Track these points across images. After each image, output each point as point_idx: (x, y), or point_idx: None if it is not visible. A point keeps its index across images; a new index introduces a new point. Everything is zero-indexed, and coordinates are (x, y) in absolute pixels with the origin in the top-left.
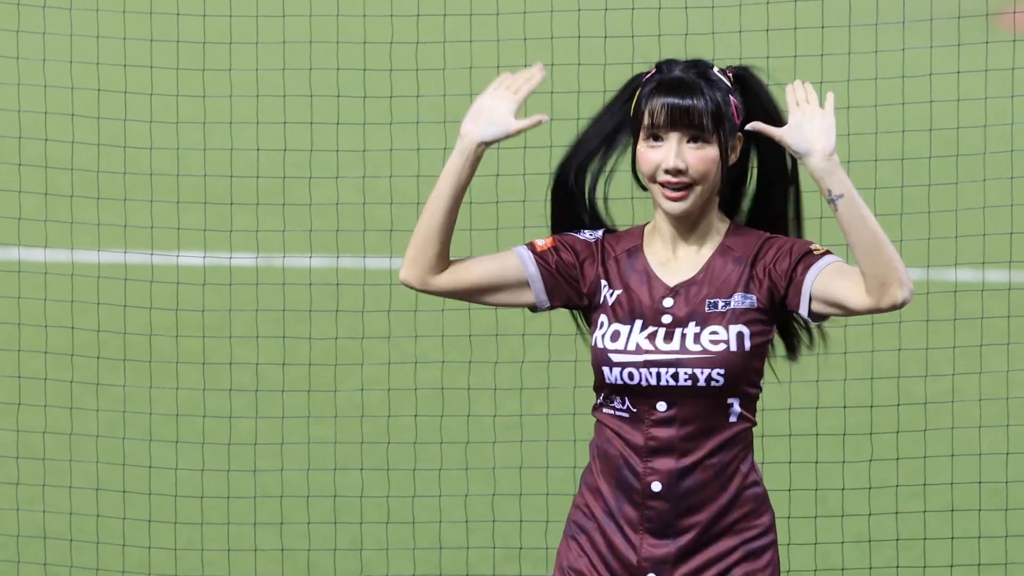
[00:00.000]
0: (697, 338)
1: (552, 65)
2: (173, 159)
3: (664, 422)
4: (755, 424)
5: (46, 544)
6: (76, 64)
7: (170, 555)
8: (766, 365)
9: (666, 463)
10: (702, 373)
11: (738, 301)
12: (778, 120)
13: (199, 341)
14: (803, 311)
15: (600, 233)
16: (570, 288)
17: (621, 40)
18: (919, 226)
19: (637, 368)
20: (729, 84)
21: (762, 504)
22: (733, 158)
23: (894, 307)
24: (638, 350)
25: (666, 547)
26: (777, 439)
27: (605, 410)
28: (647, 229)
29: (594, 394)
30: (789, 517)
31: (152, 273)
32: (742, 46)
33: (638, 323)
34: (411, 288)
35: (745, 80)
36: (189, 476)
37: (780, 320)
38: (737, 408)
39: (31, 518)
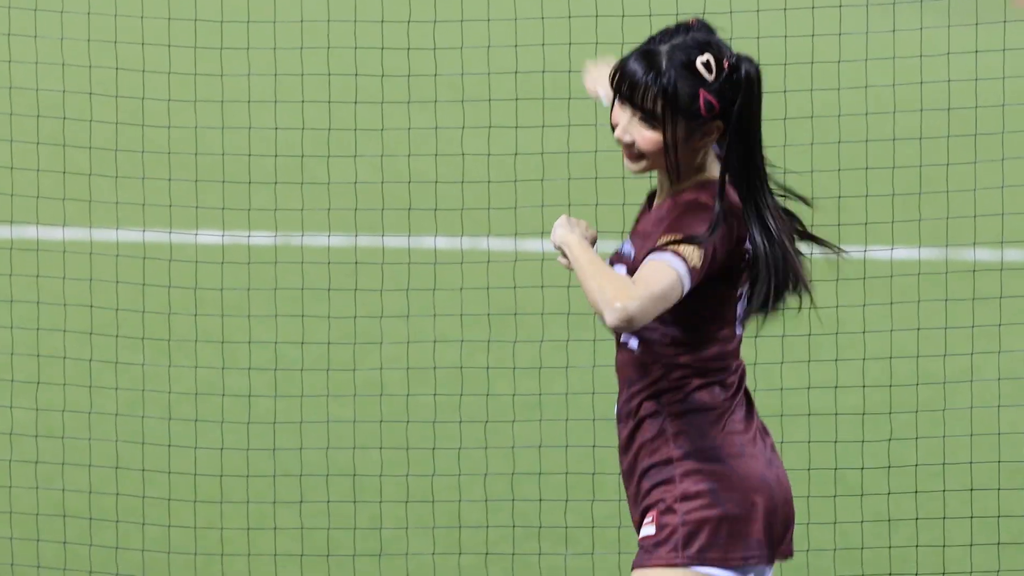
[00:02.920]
0: None
1: (570, 44)
2: (191, 138)
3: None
4: (674, 364)
5: (65, 522)
6: (94, 43)
7: (189, 533)
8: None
9: (622, 391)
10: None
11: (625, 248)
12: (751, 126)
13: (218, 320)
14: None
15: None
16: None
17: (639, 20)
18: (937, 205)
19: None
20: (708, 78)
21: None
22: (706, 143)
23: (611, 328)
24: None
25: (624, 458)
26: (796, 418)
27: None
28: None
29: None
30: (808, 496)
31: (170, 252)
32: (760, 25)
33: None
34: None
35: (737, 79)
36: (208, 455)
37: None
38: (633, 344)
39: (50, 496)
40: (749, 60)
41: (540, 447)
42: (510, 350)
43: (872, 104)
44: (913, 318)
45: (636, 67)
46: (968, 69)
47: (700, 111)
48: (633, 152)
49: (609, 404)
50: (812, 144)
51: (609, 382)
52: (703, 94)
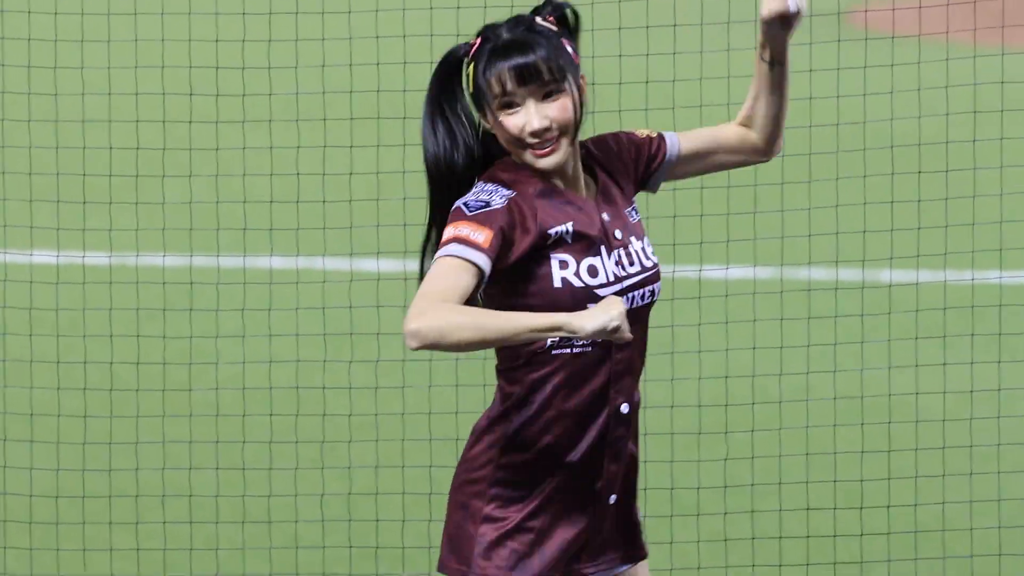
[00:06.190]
0: (646, 253)
1: (404, 64)
2: (25, 158)
3: (628, 344)
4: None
5: None
6: None
7: (24, 555)
8: None
9: (629, 383)
10: (657, 287)
11: (635, 209)
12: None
13: (53, 340)
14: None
15: (501, 193)
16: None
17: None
18: (772, 224)
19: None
20: (555, 29)
21: None
22: (588, 95)
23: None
24: (616, 279)
25: (617, 466)
26: None
27: (558, 351)
28: (530, 170)
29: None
30: (644, 516)
31: (5, 272)
32: (593, 46)
33: (603, 251)
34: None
35: (567, 19)
36: (43, 476)
37: None
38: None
39: None
40: (561, 6)
41: (377, 467)
42: (346, 370)
43: (708, 122)
44: (749, 337)
45: (519, 53)
46: (803, 88)
47: (574, 59)
48: (551, 136)
49: (446, 424)
50: None
51: (445, 402)
52: (566, 43)
